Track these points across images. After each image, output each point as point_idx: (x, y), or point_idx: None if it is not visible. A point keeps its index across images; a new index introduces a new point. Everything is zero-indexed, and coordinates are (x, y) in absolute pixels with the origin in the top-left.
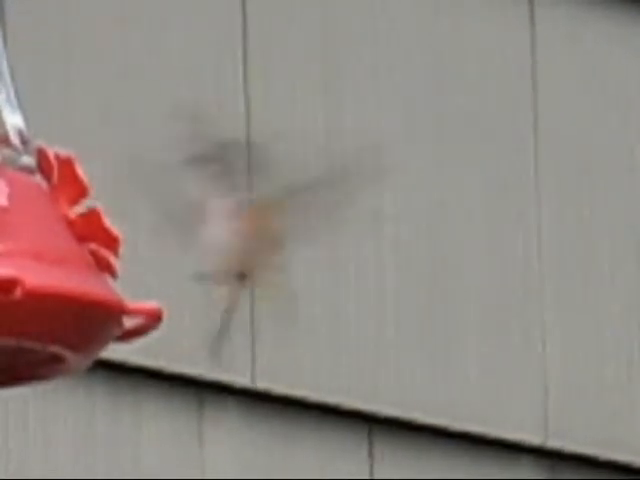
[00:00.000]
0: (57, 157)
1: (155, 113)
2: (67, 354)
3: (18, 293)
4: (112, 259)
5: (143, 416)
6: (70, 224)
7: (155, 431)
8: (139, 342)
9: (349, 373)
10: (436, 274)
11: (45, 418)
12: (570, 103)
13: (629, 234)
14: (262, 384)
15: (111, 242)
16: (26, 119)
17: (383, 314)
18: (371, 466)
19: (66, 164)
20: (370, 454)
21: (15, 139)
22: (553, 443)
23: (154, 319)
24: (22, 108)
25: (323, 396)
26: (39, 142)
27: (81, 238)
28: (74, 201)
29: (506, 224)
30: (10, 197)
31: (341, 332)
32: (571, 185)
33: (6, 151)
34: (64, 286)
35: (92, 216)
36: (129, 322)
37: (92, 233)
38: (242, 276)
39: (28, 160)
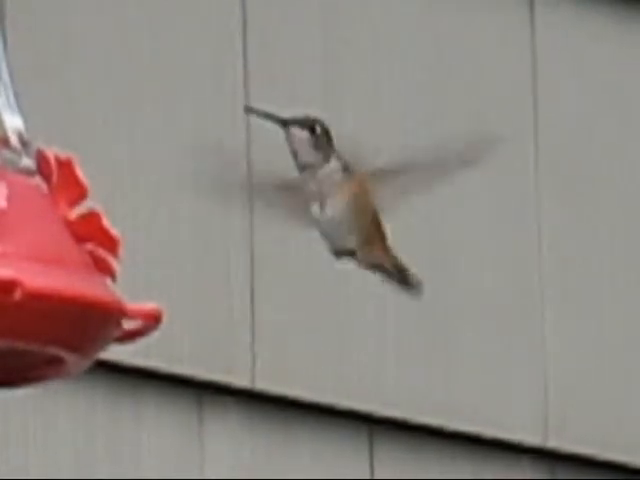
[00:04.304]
0: (57, 159)
1: (155, 114)
2: (66, 355)
3: (17, 294)
4: (111, 260)
5: (143, 417)
6: (69, 225)
7: (155, 432)
8: (139, 343)
9: (349, 373)
10: (436, 274)
11: (45, 419)
12: (570, 103)
13: (629, 234)
14: (262, 384)
15: (110, 243)
16: (26, 121)
17: (383, 314)
18: (371, 466)
19: (66, 166)
20: (370, 454)
21: (15, 141)
22: (553, 443)
23: (153, 320)
24: (22, 110)
25: (323, 396)
26: (39, 144)
27: (80, 239)
28: (74, 203)
29: (506, 223)
30: (10, 199)
31: (341, 332)
32: (571, 185)
33: (6, 153)
34: (63, 287)
35: (92, 218)
36: (129, 323)
37: (91, 234)
38: (353, 252)
39: (28, 162)
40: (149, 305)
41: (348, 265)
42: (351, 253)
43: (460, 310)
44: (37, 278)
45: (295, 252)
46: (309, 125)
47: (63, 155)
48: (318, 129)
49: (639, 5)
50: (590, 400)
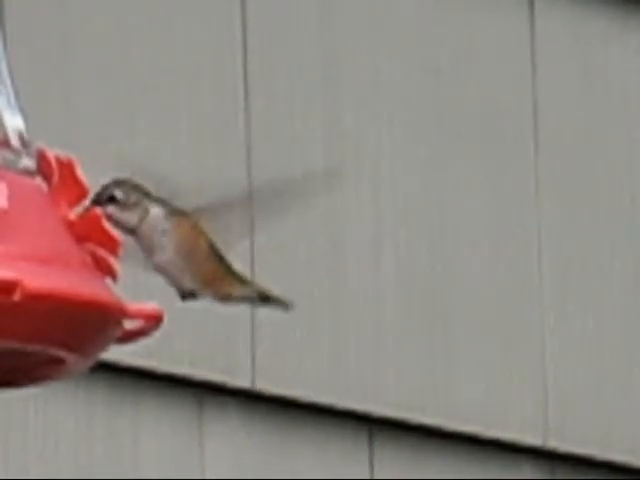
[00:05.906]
0: (57, 159)
1: (155, 115)
2: (67, 356)
3: (18, 295)
4: (112, 261)
5: (143, 417)
6: (70, 226)
7: (155, 432)
8: (139, 343)
9: (349, 374)
10: (435, 275)
11: (45, 419)
12: (570, 103)
13: (629, 234)
14: (262, 385)
15: (111, 243)
16: (26, 121)
17: (383, 315)
18: (371, 466)
19: (66, 166)
20: (370, 455)
21: (15, 141)
22: (553, 444)
23: (154, 321)
24: (22, 110)
25: (323, 397)
26: (39, 144)
27: (81, 240)
28: (74, 203)
29: (506, 224)
30: (10, 199)
31: (341, 333)
32: (571, 185)
33: (6, 153)
34: (64, 288)
35: (92, 218)
36: (129, 324)
37: (92, 235)
38: (194, 294)
39: (28, 162)
40: (150, 305)
41: (348, 266)
42: (196, 294)
43: (460, 310)
44: (37, 278)
45: (295, 252)
46: (108, 195)
47: (64, 155)
48: (119, 193)
49: (639, 5)
50: (590, 400)
